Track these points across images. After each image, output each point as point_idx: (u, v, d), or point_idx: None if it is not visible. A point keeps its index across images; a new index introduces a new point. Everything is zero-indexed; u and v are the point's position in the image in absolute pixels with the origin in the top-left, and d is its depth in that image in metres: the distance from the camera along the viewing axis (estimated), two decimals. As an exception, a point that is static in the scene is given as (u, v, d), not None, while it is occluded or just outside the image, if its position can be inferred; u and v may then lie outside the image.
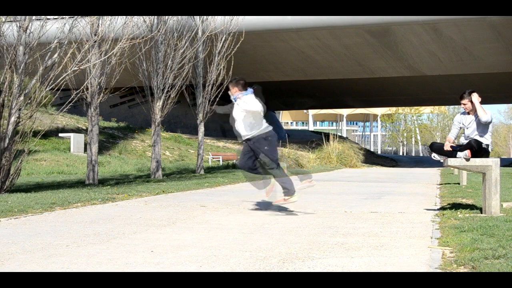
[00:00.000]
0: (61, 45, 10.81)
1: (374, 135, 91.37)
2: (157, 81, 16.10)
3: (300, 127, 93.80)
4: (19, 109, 10.29)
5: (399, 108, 74.68)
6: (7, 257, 4.48)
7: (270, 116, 47.24)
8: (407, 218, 7.07)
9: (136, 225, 6.36)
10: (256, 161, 7.59)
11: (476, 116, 7.54)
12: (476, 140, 7.42)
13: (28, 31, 10.34)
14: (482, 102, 7.66)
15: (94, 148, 13.63)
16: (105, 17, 12.63)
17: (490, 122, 7.51)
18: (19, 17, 10.42)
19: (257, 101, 7.53)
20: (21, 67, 10.25)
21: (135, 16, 13.95)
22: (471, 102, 7.56)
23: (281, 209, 7.90)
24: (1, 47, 10.27)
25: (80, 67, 11.15)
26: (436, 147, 7.87)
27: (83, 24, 11.99)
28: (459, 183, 13.43)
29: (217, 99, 19.61)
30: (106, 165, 21.37)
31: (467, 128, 7.66)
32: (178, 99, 17.35)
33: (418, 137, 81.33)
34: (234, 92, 7.65)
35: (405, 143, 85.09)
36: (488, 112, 7.49)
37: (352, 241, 5.29)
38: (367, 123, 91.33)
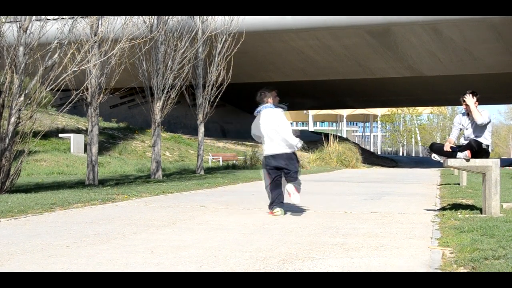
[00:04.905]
0: (61, 45, 10.80)
1: (374, 135, 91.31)
2: (157, 82, 16.09)
3: (300, 128, 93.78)
4: (19, 110, 10.28)
5: (399, 108, 74.65)
6: (7, 257, 4.48)
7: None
8: (407, 219, 7.07)
9: (136, 225, 6.35)
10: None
11: None
12: (476, 141, 7.40)
13: (28, 31, 10.34)
14: (482, 103, 7.64)
15: (94, 148, 13.63)
16: (104, 17, 12.63)
17: (488, 123, 7.48)
18: (19, 17, 10.42)
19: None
20: (21, 68, 10.25)
21: (134, 16, 13.95)
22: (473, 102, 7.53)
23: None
24: (1, 48, 10.27)
25: (80, 68, 11.15)
26: (436, 148, 7.86)
27: (83, 25, 11.98)
28: (459, 184, 13.42)
29: (217, 99, 19.62)
30: (106, 165, 21.36)
31: (466, 129, 7.65)
32: (178, 99, 17.35)
33: (418, 138, 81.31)
34: (272, 101, 7.53)
35: (405, 143, 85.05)
36: (484, 113, 7.45)
37: (352, 242, 5.29)
38: (367, 123, 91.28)
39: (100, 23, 12.74)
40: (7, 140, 10.17)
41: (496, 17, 24.21)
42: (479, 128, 7.51)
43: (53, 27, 11.14)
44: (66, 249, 4.87)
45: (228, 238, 5.48)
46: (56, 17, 13.04)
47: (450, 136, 7.89)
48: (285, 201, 7.56)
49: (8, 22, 10.99)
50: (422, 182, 16.02)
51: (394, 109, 75.83)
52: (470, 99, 7.48)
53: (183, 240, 5.38)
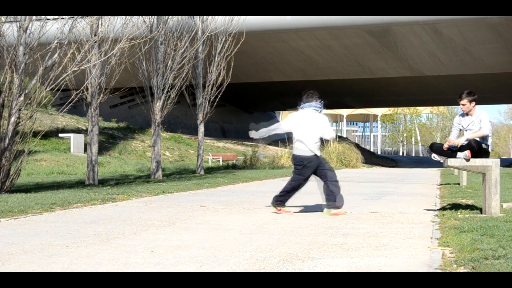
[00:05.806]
0: (61, 45, 10.81)
1: (374, 135, 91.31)
2: (157, 81, 16.09)
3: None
4: (19, 110, 10.28)
5: (399, 108, 74.63)
6: (7, 257, 4.48)
7: (270, 117, 47.20)
8: (407, 219, 7.07)
9: (136, 225, 6.35)
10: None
11: (475, 117, 7.51)
12: (476, 141, 7.40)
13: (28, 31, 10.34)
14: (482, 103, 7.64)
15: (94, 148, 13.63)
16: (104, 17, 12.63)
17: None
18: (19, 17, 10.43)
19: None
20: (21, 67, 10.25)
21: (134, 16, 13.95)
22: (470, 102, 7.53)
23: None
24: (1, 47, 10.27)
25: (80, 68, 11.15)
26: (436, 148, 7.85)
27: (83, 25, 11.98)
28: (459, 184, 13.41)
29: (217, 99, 19.62)
30: (106, 165, 21.37)
31: (466, 130, 7.64)
32: (178, 99, 17.35)
33: (418, 137, 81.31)
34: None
35: (405, 143, 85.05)
36: (484, 123, 7.38)
37: (352, 242, 5.29)
38: (367, 123, 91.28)
39: (100, 23, 12.74)
40: (7, 140, 10.17)
41: (496, 17, 24.22)
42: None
43: (53, 27, 11.15)
44: (66, 249, 4.87)
45: (228, 238, 5.48)
46: (56, 17, 13.04)
47: (450, 136, 7.88)
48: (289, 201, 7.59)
49: (8, 22, 10.99)
50: (422, 182, 16.02)
51: (395, 109, 75.79)
52: (462, 139, 7.49)
53: (183, 240, 5.38)
